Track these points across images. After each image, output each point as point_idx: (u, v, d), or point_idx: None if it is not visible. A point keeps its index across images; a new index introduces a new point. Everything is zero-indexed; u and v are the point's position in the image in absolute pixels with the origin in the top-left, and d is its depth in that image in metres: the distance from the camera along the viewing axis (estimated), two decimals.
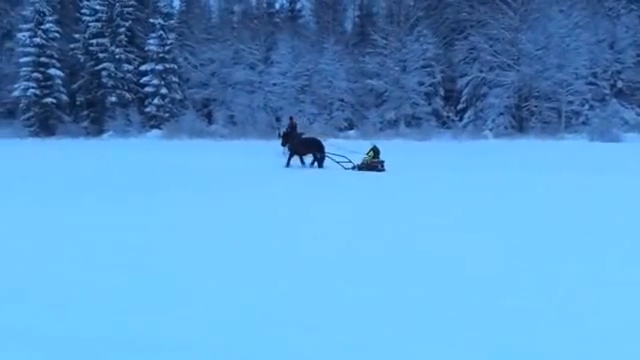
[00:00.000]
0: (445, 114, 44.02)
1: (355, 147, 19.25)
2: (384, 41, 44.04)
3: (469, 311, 4.42)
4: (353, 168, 17.67)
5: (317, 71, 44.06)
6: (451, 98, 44.37)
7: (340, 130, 43.32)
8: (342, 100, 44.12)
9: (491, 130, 40.96)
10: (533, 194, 11.83)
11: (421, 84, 43.25)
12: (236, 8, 50.78)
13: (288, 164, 18.36)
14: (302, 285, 5.11)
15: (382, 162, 17.43)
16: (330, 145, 18.94)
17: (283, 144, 19.02)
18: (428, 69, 43.54)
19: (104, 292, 4.84)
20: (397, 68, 43.40)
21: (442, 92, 44.22)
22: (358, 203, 10.47)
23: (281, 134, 19.59)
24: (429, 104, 43.42)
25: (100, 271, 5.53)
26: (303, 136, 19.20)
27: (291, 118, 20.69)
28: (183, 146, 32.85)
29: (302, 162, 18.66)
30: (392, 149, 29.24)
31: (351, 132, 43.11)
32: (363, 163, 17.58)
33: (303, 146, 18.62)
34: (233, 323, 4.13)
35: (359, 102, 44.33)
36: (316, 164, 18.42)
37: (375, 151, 17.71)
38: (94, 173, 16.37)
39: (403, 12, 45.36)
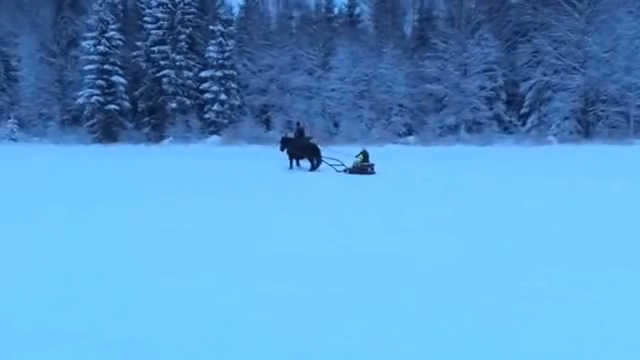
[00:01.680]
0: (507, 119, 45.78)
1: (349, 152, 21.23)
2: (444, 45, 46.26)
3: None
4: (345, 171, 19.45)
5: (376, 76, 46.62)
6: (513, 102, 46.12)
7: (399, 136, 45.81)
8: (401, 105, 46.51)
9: (555, 135, 42.46)
10: (593, 201, 11.85)
11: (482, 88, 45.20)
12: (295, 14, 54.24)
13: (291, 167, 20.68)
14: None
15: (372, 165, 19.16)
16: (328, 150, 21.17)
17: (282, 149, 21.20)
18: (490, 73, 45.46)
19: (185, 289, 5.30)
20: (457, 72, 45.60)
21: (504, 96, 46.01)
22: (401, 210, 10.64)
23: (281, 139, 21.85)
24: (490, 109, 45.29)
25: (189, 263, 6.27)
26: (311, 141, 21.20)
27: (298, 123, 23.50)
28: (239, 152, 35.00)
29: (297, 164, 20.88)
30: (452, 154, 31.57)
31: (410, 138, 45.48)
32: (354, 166, 19.39)
33: (299, 150, 20.71)
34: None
35: (418, 107, 46.61)
36: (313, 166, 20.43)
37: (365, 155, 19.60)
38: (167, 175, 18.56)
39: (464, 15, 47.45)
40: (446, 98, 45.94)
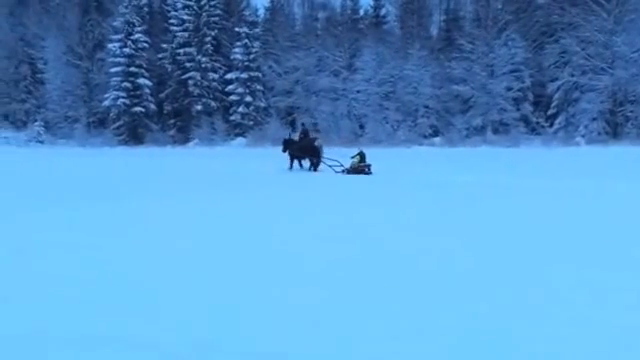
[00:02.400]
0: (534, 120, 46.73)
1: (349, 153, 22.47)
2: (471, 46, 47.40)
3: None
4: (343, 172, 20.52)
5: (402, 77, 47.91)
6: (541, 103, 47.08)
7: (425, 137, 47.02)
8: (427, 106, 47.72)
9: (583, 136, 43.30)
10: (619, 203, 12.08)
11: (509, 89, 46.26)
12: (320, 15, 55.77)
13: (291, 167, 22.09)
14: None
15: (369, 166, 20.31)
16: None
17: (284, 150, 22.58)
18: (517, 74, 46.51)
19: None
20: (484, 73, 46.73)
21: (531, 97, 46.99)
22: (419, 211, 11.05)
23: (283, 141, 23.25)
24: (517, 110, 46.32)
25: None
26: (317, 141, 22.53)
27: (302, 124, 25.08)
28: (263, 154, 35.89)
29: (300, 165, 22.37)
30: (478, 156, 32.74)
31: (436, 139, 46.66)
32: (351, 167, 20.55)
33: (300, 151, 22.14)
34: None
35: (444, 108, 47.79)
36: (313, 167, 21.83)
37: (361, 156, 20.84)
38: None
39: (491, 16, 48.56)
40: (472, 99, 47.01)
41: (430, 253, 7.02)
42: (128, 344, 4.17)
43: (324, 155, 21.96)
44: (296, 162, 22.45)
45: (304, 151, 22.07)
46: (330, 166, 21.31)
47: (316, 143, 22.11)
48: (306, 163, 22.34)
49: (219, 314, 4.79)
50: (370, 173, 20.09)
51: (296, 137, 23.71)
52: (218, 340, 4.25)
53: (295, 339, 4.27)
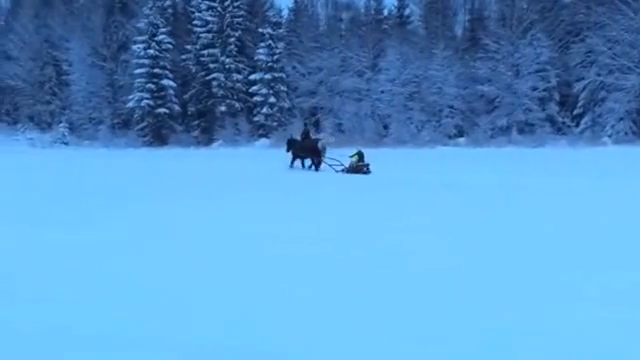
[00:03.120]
0: (560, 120, 47.61)
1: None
2: (496, 45, 48.46)
3: None
4: (342, 171, 21.94)
5: (426, 77, 49.06)
6: (567, 103, 47.96)
7: (449, 137, 48.11)
8: (452, 107, 48.82)
9: (610, 136, 44.16)
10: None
11: (535, 89, 47.24)
12: (344, 15, 57.23)
13: (291, 166, 23.78)
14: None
15: (367, 165, 21.74)
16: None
17: (287, 150, 24.31)
18: (542, 73, 47.46)
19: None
20: (509, 73, 47.79)
21: (557, 97, 47.88)
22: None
23: (287, 141, 25.10)
24: (543, 110, 47.27)
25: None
26: (320, 142, 24.13)
27: (305, 124, 26.75)
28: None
29: (302, 165, 23.91)
30: (503, 156, 33.80)
31: (461, 139, 47.76)
32: (350, 166, 21.95)
33: (302, 151, 23.75)
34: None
35: (469, 108, 48.87)
36: (314, 166, 23.43)
37: (360, 155, 22.27)
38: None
39: (516, 15, 49.58)
40: (497, 99, 48.00)
41: (442, 257, 7.21)
42: (148, 345, 4.37)
43: (326, 155, 23.39)
44: (298, 161, 24.06)
45: (306, 151, 23.62)
46: (330, 165, 22.75)
47: (319, 144, 23.58)
48: (306, 162, 23.91)
49: (245, 317, 4.98)
50: (369, 172, 21.45)
51: (310, 136, 25.38)
52: (244, 343, 4.43)
53: (314, 341, 4.47)
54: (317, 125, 51.59)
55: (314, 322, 4.86)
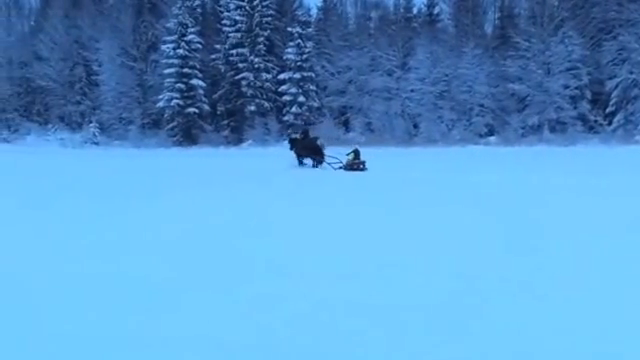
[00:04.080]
0: (592, 118, 48.61)
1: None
2: (526, 43, 49.69)
3: None
4: (340, 168, 24.09)
5: (456, 76, 50.37)
6: (599, 101, 48.96)
7: (480, 136, 49.38)
8: (482, 105, 50.10)
9: None
10: None
11: (566, 87, 48.33)
12: (373, 14, 58.79)
13: (300, 164, 25.79)
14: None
15: (363, 162, 23.78)
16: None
17: (290, 148, 26.61)
18: (574, 71, 48.53)
19: None
20: (540, 71, 48.97)
21: (589, 95, 48.87)
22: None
23: (289, 140, 27.76)
24: (575, 108, 48.31)
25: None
26: (318, 141, 26.25)
27: (304, 123, 28.94)
28: None
29: (302, 163, 25.95)
30: (534, 155, 34.97)
31: (492, 138, 49.02)
32: (347, 164, 24.07)
33: (304, 150, 25.91)
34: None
35: (500, 107, 50.10)
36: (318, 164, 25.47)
37: (356, 153, 24.28)
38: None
39: (547, 13, 50.72)
40: (528, 97, 49.18)
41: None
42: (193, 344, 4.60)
43: (325, 153, 25.69)
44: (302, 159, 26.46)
45: (308, 150, 25.81)
46: (329, 164, 24.92)
47: (318, 142, 25.77)
48: (306, 160, 26.37)
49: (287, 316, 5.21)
50: (365, 169, 23.51)
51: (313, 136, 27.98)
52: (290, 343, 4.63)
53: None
54: (347, 124, 53.19)
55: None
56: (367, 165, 23.68)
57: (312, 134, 28.89)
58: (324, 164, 25.13)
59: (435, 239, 8.61)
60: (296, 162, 25.93)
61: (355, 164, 23.80)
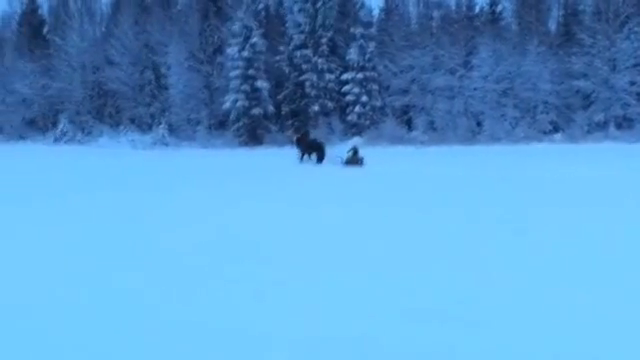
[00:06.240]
0: None
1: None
2: (591, 40, 50.22)
3: None
4: (341, 163, 27.70)
5: (520, 74, 51.20)
6: None
7: (544, 133, 50.07)
8: (546, 102, 50.78)
9: None
10: None
11: (633, 83, 48.71)
12: (435, 14, 59.84)
13: (301, 160, 29.93)
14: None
15: (361, 159, 27.64)
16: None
17: (297, 147, 30.81)
18: None
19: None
20: (606, 68, 49.44)
21: None
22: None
23: (294, 140, 32.33)
24: None
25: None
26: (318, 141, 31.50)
27: (306, 125, 32.42)
28: (381, 152, 40.67)
29: (309, 157, 29.94)
30: (599, 152, 35.65)
31: (557, 135, 49.66)
32: (346, 160, 27.87)
33: (309, 148, 30.23)
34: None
35: (565, 104, 50.72)
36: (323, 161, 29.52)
37: (355, 150, 28.37)
38: None
39: (612, 9, 51.07)
40: (594, 94, 49.68)
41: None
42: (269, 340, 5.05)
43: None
44: (301, 156, 30.37)
45: (312, 148, 30.23)
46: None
47: (318, 141, 31.35)
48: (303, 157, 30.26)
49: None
50: (362, 165, 27.38)
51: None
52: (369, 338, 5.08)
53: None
54: (409, 123, 54.45)
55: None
56: (365, 161, 27.61)
57: (312, 135, 35.30)
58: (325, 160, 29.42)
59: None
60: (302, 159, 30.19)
61: (354, 160, 27.84)
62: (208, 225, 10.75)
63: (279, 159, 32.49)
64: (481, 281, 6.78)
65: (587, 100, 50.35)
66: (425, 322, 5.45)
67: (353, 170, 25.55)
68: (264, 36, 57.65)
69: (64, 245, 8.95)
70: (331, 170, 25.42)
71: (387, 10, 61.10)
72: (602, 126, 49.17)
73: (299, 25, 56.92)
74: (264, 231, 9.94)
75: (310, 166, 28.29)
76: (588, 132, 48.77)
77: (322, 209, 13.21)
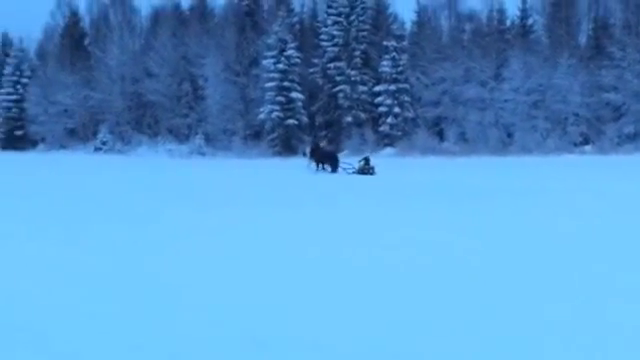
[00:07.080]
0: None
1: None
2: (621, 53, 51.16)
3: None
4: (353, 172, 28.97)
5: (550, 86, 52.25)
6: None
7: (575, 145, 51.01)
8: (577, 114, 51.77)
9: None
10: None
11: None
12: (467, 27, 61.19)
13: (317, 169, 30.61)
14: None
15: (372, 168, 28.96)
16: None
17: (310, 157, 31.68)
18: None
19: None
20: (636, 80, 50.34)
21: None
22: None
23: (307, 152, 33.52)
24: None
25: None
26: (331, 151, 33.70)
27: (314, 137, 34.47)
28: (414, 163, 42.27)
29: (317, 169, 30.69)
30: (631, 164, 36.29)
31: (587, 147, 50.62)
32: (358, 169, 29.16)
33: (323, 158, 31.39)
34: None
35: (595, 116, 51.70)
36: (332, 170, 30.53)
37: (366, 160, 29.65)
38: None
39: None
40: (624, 106, 50.58)
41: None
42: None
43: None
44: (316, 166, 31.29)
45: (326, 158, 31.49)
46: (344, 169, 29.94)
47: (331, 151, 33.78)
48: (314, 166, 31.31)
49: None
50: (374, 174, 28.53)
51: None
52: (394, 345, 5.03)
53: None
54: (441, 134, 55.69)
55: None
56: (376, 170, 28.95)
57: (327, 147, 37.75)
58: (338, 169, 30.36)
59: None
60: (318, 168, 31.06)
61: (365, 169, 29.08)
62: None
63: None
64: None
65: (617, 112, 51.23)
66: None
67: (381, 179, 26.20)
68: (298, 49, 59.38)
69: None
70: (354, 180, 25.82)
71: (419, 23, 62.57)
72: (632, 138, 49.97)
73: (333, 38, 58.55)
74: None
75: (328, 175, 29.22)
76: (618, 144, 49.58)
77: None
